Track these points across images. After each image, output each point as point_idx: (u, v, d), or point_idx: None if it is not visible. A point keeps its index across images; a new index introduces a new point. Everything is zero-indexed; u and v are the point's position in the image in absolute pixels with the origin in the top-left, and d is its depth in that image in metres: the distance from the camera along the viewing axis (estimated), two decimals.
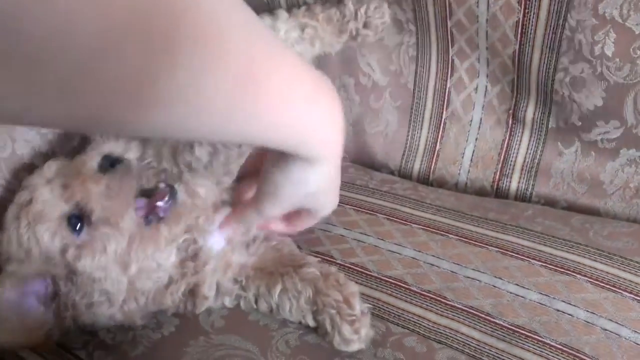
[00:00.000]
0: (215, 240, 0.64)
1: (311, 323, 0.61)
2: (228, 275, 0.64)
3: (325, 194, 0.54)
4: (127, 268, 0.56)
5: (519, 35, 0.71)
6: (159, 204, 0.58)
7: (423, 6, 0.77)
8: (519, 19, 0.69)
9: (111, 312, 0.58)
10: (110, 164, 0.56)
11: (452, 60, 0.80)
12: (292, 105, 0.40)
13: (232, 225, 0.63)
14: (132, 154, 0.60)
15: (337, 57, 0.88)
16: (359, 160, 0.91)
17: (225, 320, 0.64)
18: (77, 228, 0.54)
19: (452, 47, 0.79)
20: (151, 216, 0.58)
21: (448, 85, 0.82)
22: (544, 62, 0.71)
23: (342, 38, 0.80)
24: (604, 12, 0.63)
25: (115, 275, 0.56)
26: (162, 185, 0.59)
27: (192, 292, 0.63)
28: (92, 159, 0.56)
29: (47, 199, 0.54)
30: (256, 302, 0.64)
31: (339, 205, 0.76)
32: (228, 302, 0.65)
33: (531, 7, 0.68)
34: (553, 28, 0.67)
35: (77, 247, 0.54)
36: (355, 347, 0.58)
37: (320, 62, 0.89)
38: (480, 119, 0.81)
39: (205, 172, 0.66)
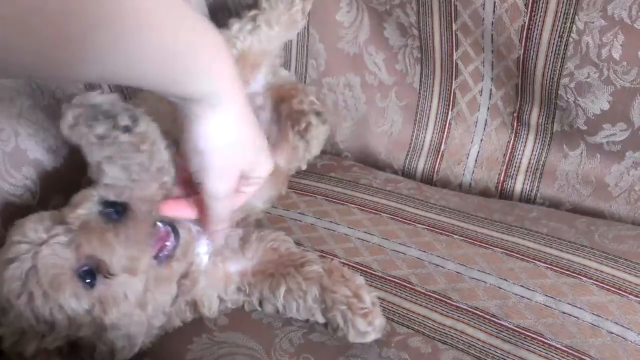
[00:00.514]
0: (197, 256, 0.62)
1: (320, 320, 0.61)
2: (231, 288, 0.64)
3: (246, 144, 0.54)
4: (145, 308, 0.54)
5: (523, 40, 0.70)
6: (167, 243, 0.56)
7: (428, 9, 0.77)
8: (525, 22, 0.69)
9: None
10: (112, 208, 0.53)
11: (456, 64, 0.80)
12: (170, 25, 0.42)
13: (211, 228, 0.60)
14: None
15: (342, 57, 0.88)
16: (363, 159, 0.91)
17: (229, 318, 0.63)
18: (90, 281, 0.51)
19: (456, 51, 0.78)
20: (161, 255, 0.56)
21: (453, 87, 0.82)
22: (549, 68, 0.70)
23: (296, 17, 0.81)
24: (613, 12, 0.62)
25: (138, 319, 0.54)
26: (160, 225, 0.57)
27: (193, 305, 0.62)
28: (89, 209, 0.52)
29: (55, 261, 0.49)
30: (260, 304, 0.63)
31: (342, 204, 0.76)
32: (231, 305, 0.64)
33: (538, 9, 0.67)
34: (559, 32, 0.67)
35: (99, 301, 0.51)
36: (371, 338, 0.58)
37: (327, 62, 0.89)
38: (486, 120, 0.81)
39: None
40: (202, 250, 0.63)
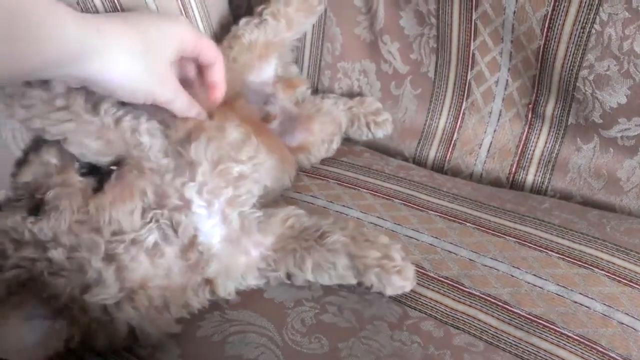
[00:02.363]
0: (208, 232, 0.62)
1: (353, 282, 0.62)
2: (252, 275, 0.64)
3: (150, 44, 0.56)
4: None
5: (545, 30, 0.70)
6: None
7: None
8: (548, 12, 0.69)
9: (134, 318, 0.57)
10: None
11: (473, 54, 0.79)
12: None
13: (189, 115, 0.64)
14: None
15: (359, 43, 0.88)
16: (374, 145, 0.91)
17: (241, 297, 0.63)
18: None
19: (473, 41, 0.78)
20: None
21: (468, 77, 0.82)
22: (569, 59, 0.71)
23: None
24: (637, 5, 0.62)
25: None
26: None
27: (209, 285, 0.62)
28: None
29: None
30: (289, 277, 0.64)
31: (354, 188, 0.77)
32: (255, 282, 0.64)
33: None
34: (582, 22, 0.67)
35: None
36: (407, 289, 0.61)
37: (343, 47, 0.89)
38: (500, 111, 0.81)
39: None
40: (209, 231, 0.62)
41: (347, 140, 0.93)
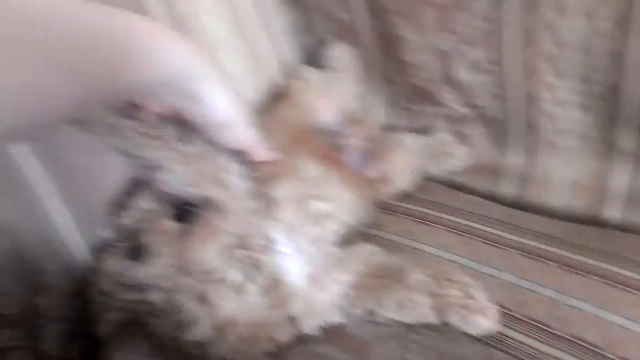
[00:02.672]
0: (291, 270, 0.64)
1: (436, 321, 0.62)
2: (334, 312, 0.65)
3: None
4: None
5: (616, 63, 0.69)
6: None
7: (503, 41, 0.76)
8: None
9: (227, 353, 0.60)
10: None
11: (538, 94, 0.78)
12: None
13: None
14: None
15: (418, 89, 0.89)
16: (448, 182, 0.91)
17: (322, 330, 0.65)
18: None
19: (538, 81, 0.77)
20: None
21: (538, 115, 0.81)
22: None
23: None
24: None
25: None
26: None
27: (293, 321, 0.64)
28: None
29: None
30: (370, 314, 0.65)
31: (429, 224, 0.77)
32: (336, 319, 0.65)
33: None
34: None
35: None
36: (492, 329, 0.61)
37: (405, 93, 0.92)
38: (576, 147, 0.80)
39: None
40: (293, 269, 0.64)
41: (422, 178, 0.94)
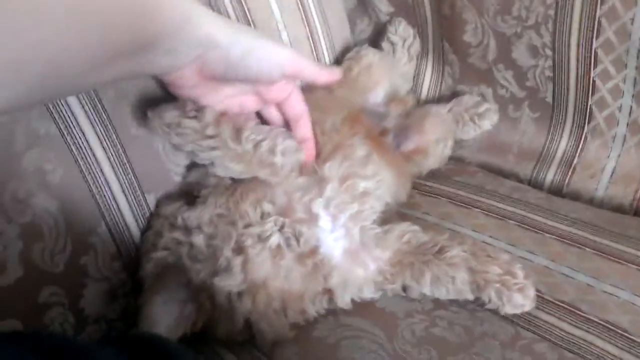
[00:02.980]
0: (330, 245, 0.66)
1: (470, 298, 0.64)
2: (368, 289, 0.67)
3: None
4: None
5: None
6: None
7: (566, 28, 0.76)
8: None
9: (253, 314, 0.61)
10: None
11: (594, 81, 0.78)
12: None
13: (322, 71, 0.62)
14: None
15: (474, 70, 0.89)
16: (487, 166, 0.91)
17: (353, 304, 0.66)
18: None
19: (594, 69, 0.77)
20: None
21: (589, 103, 0.80)
22: None
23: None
24: None
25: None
26: None
27: (329, 294, 0.66)
28: None
29: None
30: (404, 290, 0.66)
31: (467, 207, 0.78)
32: (371, 295, 0.67)
33: None
34: None
35: None
36: (526, 309, 0.61)
37: (461, 70, 0.91)
38: (625, 136, 0.79)
39: None
40: (332, 244, 0.66)
41: (459, 161, 0.94)
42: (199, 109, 0.62)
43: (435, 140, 0.87)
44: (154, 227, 0.65)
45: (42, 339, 0.36)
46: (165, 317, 0.59)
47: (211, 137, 0.63)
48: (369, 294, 0.67)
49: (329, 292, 0.65)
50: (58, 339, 0.38)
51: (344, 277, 0.65)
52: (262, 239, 0.62)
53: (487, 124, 0.91)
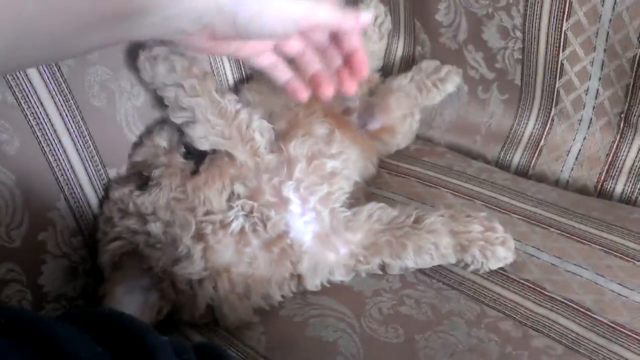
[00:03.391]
0: (300, 229, 0.65)
1: (452, 261, 0.65)
2: (339, 272, 0.66)
3: None
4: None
5: None
6: None
7: (537, 10, 0.76)
8: None
9: (214, 299, 0.61)
10: None
11: (562, 64, 0.78)
12: None
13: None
14: None
15: (445, 49, 0.89)
16: (456, 147, 0.91)
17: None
18: None
19: (563, 51, 0.77)
20: None
21: (557, 86, 0.80)
22: None
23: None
24: None
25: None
26: None
27: (298, 279, 0.65)
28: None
29: None
30: (382, 269, 0.66)
31: (435, 187, 0.78)
32: (342, 278, 0.66)
33: None
34: None
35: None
36: (508, 261, 0.63)
37: (432, 49, 0.91)
38: (590, 119, 0.80)
39: None
40: (302, 228, 0.65)
41: (428, 141, 0.94)
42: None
43: (401, 116, 0.86)
44: (104, 212, 0.63)
45: None
46: (129, 307, 0.58)
47: (197, 77, 0.62)
48: (339, 277, 0.66)
49: (297, 277, 0.65)
50: (15, 311, 0.36)
51: (314, 262, 0.65)
52: (224, 225, 0.61)
53: (450, 86, 0.90)
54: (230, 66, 0.80)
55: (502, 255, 0.62)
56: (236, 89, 0.80)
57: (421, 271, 0.66)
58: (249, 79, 0.82)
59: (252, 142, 0.65)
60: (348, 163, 0.72)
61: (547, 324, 0.58)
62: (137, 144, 0.67)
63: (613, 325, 0.57)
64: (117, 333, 0.36)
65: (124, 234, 0.60)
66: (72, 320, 0.36)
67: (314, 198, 0.66)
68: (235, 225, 0.61)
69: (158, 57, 0.62)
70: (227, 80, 0.80)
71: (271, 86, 0.78)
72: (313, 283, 0.65)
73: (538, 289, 0.61)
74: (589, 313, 0.58)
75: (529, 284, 0.62)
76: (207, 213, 0.61)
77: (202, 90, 0.63)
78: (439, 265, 0.66)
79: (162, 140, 0.66)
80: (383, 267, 0.66)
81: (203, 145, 0.64)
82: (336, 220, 0.66)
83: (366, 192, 0.79)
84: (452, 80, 0.90)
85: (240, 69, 0.81)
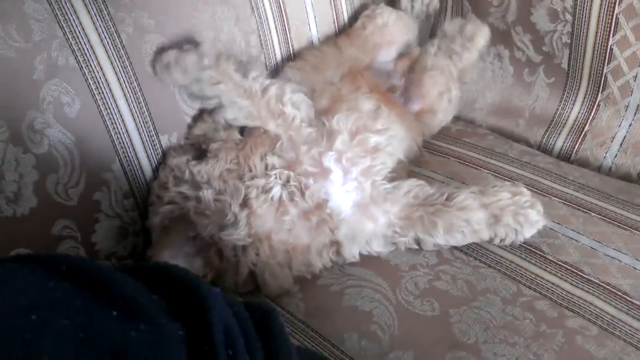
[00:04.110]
0: (340, 198, 0.66)
1: (486, 237, 0.65)
2: (377, 242, 0.67)
3: None
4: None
5: None
6: None
7: None
8: None
9: (257, 265, 0.63)
10: None
11: (611, 49, 0.77)
12: None
13: None
14: None
15: (493, 30, 0.88)
16: (498, 130, 0.91)
17: (360, 256, 0.67)
18: None
19: (613, 36, 0.76)
20: None
21: (605, 71, 0.79)
22: None
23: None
24: None
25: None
26: None
27: (337, 246, 0.66)
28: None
29: None
30: (417, 243, 0.67)
31: (475, 168, 0.78)
32: (379, 249, 0.67)
33: None
34: None
35: None
36: (541, 225, 0.64)
37: None
38: (638, 106, 0.79)
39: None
40: (342, 197, 0.66)
41: (470, 123, 0.94)
42: (195, 44, 0.61)
43: (438, 94, 0.86)
44: (160, 177, 0.66)
45: (59, 260, 0.36)
46: None
47: (210, 67, 0.63)
48: (377, 247, 0.67)
49: (336, 244, 0.66)
50: (75, 260, 0.39)
51: (353, 230, 0.66)
52: (265, 190, 0.63)
53: (481, 41, 0.87)
54: (279, 42, 0.81)
55: (534, 218, 0.63)
56: (283, 65, 0.81)
57: (458, 248, 0.67)
58: (296, 56, 0.84)
59: (284, 116, 0.66)
60: (393, 140, 0.73)
61: (583, 305, 0.59)
62: (198, 118, 0.70)
63: None
64: (171, 284, 0.38)
65: (176, 199, 0.63)
66: (128, 272, 0.39)
67: (356, 169, 0.67)
68: (275, 192, 0.63)
69: (169, 64, 0.64)
70: (276, 57, 0.81)
71: (314, 64, 0.80)
72: (351, 252, 0.66)
73: (576, 271, 0.62)
74: (626, 297, 0.58)
75: (567, 266, 0.62)
76: (252, 178, 0.63)
77: (221, 76, 0.64)
78: (476, 244, 0.66)
79: (221, 117, 0.68)
80: (419, 242, 0.67)
81: (239, 124, 0.66)
82: (376, 191, 0.68)
83: (409, 170, 0.79)
84: (481, 34, 0.86)
85: (288, 45, 0.82)
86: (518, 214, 0.63)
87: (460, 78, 0.89)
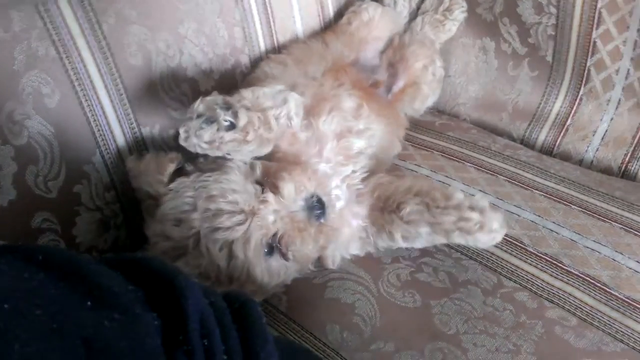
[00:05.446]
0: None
1: (444, 241, 0.63)
2: (354, 245, 0.67)
3: None
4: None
5: None
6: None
7: None
8: None
9: None
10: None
11: (594, 42, 0.78)
12: None
13: None
14: None
15: (480, 21, 0.89)
16: (481, 124, 0.91)
17: None
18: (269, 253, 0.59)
19: (596, 30, 0.77)
20: None
21: (588, 64, 0.80)
22: None
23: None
24: None
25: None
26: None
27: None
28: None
29: (260, 233, 0.57)
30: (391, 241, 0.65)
31: (459, 161, 0.78)
32: (357, 252, 0.67)
33: None
34: None
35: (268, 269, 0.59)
36: (499, 238, 0.59)
37: (467, 22, 0.91)
38: (619, 100, 0.79)
39: None
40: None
41: (454, 117, 0.94)
42: (228, 104, 0.56)
43: (421, 67, 0.85)
44: None
45: (36, 250, 0.36)
46: None
47: (252, 141, 0.58)
48: (354, 251, 0.67)
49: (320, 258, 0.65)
50: (52, 250, 0.39)
51: (337, 237, 0.65)
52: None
53: (459, 13, 0.90)
54: (263, 35, 0.81)
55: (484, 239, 0.59)
56: (266, 57, 0.81)
57: None
58: (281, 48, 0.83)
59: (294, 134, 0.65)
60: (373, 140, 0.72)
61: (562, 296, 0.59)
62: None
63: (628, 300, 0.58)
64: (148, 275, 0.38)
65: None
66: (105, 264, 0.39)
67: (338, 177, 0.67)
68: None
69: (212, 143, 0.56)
70: (260, 49, 0.81)
71: (298, 57, 0.79)
72: (334, 260, 0.65)
73: (556, 262, 0.62)
74: (605, 288, 0.59)
75: (546, 258, 0.63)
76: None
77: (255, 142, 0.58)
78: None
79: None
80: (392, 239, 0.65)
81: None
82: (350, 194, 0.67)
83: (391, 165, 0.79)
84: (457, 4, 0.90)
85: (273, 38, 0.82)
86: (465, 237, 0.59)
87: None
